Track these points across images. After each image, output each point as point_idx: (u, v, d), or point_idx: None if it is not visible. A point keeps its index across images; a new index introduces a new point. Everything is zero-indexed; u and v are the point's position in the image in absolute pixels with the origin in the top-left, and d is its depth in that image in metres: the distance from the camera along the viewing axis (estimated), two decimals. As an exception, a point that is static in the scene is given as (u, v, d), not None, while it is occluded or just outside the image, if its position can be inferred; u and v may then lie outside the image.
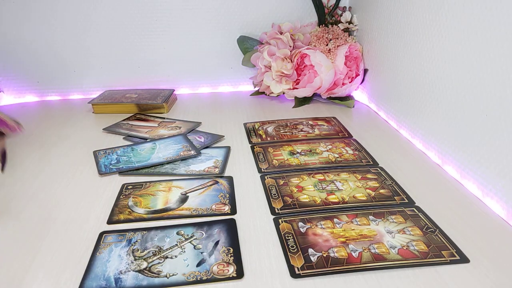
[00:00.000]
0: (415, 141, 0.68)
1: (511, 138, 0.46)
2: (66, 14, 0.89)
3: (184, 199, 0.54)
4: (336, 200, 0.52)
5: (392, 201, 0.52)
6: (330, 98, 0.89)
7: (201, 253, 0.44)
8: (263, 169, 0.61)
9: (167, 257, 0.43)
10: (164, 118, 0.83)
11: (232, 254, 0.43)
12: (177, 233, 0.47)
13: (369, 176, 0.58)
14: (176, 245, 0.45)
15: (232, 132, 0.75)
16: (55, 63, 0.94)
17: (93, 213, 0.51)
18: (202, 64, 0.98)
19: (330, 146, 0.68)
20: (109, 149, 0.68)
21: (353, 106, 0.87)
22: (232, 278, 0.40)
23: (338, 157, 0.64)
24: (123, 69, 0.96)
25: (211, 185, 0.57)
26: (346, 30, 0.91)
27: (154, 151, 0.67)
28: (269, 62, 0.87)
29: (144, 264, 0.42)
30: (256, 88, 0.97)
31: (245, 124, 0.79)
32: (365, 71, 0.87)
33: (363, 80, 0.88)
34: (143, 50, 0.95)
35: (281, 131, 0.74)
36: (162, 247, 0.45)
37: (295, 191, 0.55)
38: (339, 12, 0.92)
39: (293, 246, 0.44)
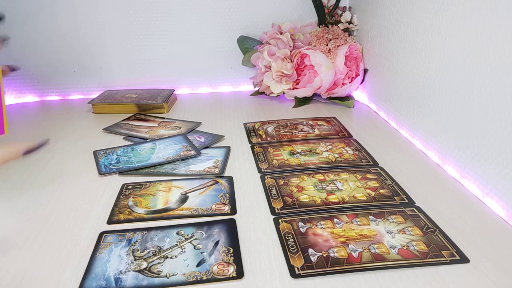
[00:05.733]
0: (415, 141, 0.68)
1: (511, 138, 0.46)
2: (66, 14, 0.89)
3: (184, 199, 0.54)
4: (336, 200, 0.52)
5: (392, 201, 0.52)
6: (330, 98, 0.89)
7: (201, 253, 0.44)
8: (263, 169, 0.61)
9: (167, 257, 0.43)
10: (164, 118, 0.83)
11: (232, 254, 0.43)
12: (177, 233, 0.47)
13: (369, 176, 0.58)
14: (176, 245, 0.45)
15: (232, 132, 0.75)
16: (55, 63, 0.94)
17: (93, 213, 0.51)
18: (202, 64, 0.98)
19: (330, 146, 0.68)
20: (109, 149, 0.68)
21: (353, 106, 0.87)
22: (232, 278, 0.40)
23: (338, 157, 0.64)
24: (123, 69, 0.96)
25: (211, 185, 0.57)
26: (346, 30, 0.91)
27: (154, 151, 0.67)
28: (269, 62, 0.87)
29: (144, 264, 0.42)
30: (256, 88, 0.97)
31: (245, 124, 0.79)
32: (365, 71, 0.87)
33: (363, 80, 0.88)
34: (143, 50, 0.95)
35: (281, 131, 0.74)
36: (162, 247, 0.45)
37: (295, 191, 0.55)
38: (339, 12, 0.92)
39: (293, 246, 0.44)
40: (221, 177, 0.59)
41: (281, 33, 0.89)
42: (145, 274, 0.41)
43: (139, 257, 0.43)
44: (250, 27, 0.95)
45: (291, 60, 0.86)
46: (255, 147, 0.69)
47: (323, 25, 0.91)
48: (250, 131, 0.75)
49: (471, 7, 0.51)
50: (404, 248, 0.43)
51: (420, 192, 0.54)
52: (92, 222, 0.49)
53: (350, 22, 0.90)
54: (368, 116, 0.82)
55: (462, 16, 0.53)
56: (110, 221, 0.49)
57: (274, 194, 0.54)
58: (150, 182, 0.58)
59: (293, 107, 0.88)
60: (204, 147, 0.68)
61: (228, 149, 0.68)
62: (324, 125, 0.77)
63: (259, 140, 0.71)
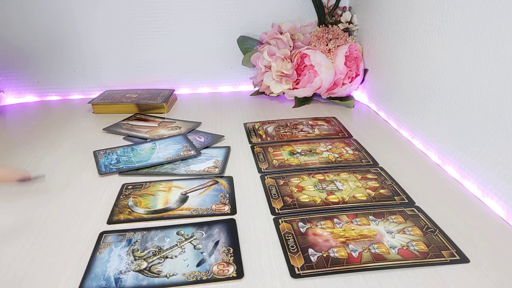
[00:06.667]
0: (415, 141, 0.68)
1: (511, 138, 0.46)
2: (66, 14, 0.89)
3: (184, 199, 0.54)
4: (336, 200, 0.52)
5: (392, 201, 0.52)
6: (330, 98, 0.89)
7: (201, 253, 0.44)
8: (263, 169, 0.61)
9: (167, 257, 0.43)
10: (164, 118, 0.83)
11: (232, 254, 0.43)
12: (177, 233, 0.47)
13: (369, 176, 0.58)
14: (176, 245, 0.45)
15: (232, 132, 0.75)
16: (55, 63, 0.94)
17: (93, 213, 0.51)
18: (202, 64, 0.98)
19: (330, 146, 0.68)
20: (109, 149, 0.68)
21: (353, 106, 0.87)
22: (232, 278, 0.40)
23: (338, 157, 0.64)
24: (123, 69, 0.96)
25: (211, 185, 0.57)
26: (346, 30, 0.91)
27: (154, 151, 0.67)
28: (269, 62, 0.87)
29: (144, 264, 0.42)
30: (256, 88, 0.97)
31: (245, 124, 0.79)
32: (365, 71, 0.87)
33: (363, 80, 0.88)
34: (143, 50, 0.95)
35: (281, 131, 0.74)
36: (162, 247, 0.45)
37: (295, 191, 0.55)
38: (339, 12, 0.92)
39: (293, 246, 0.44)
40: (221, 177, 0.59)
41: (281, 33, 0.89)
42: (145, 274, 0.41)
43: (139, 257, 0.43)
44: (250, 27, 0.95)
45: (291, 60, 0.86)
46: (255, 147, 0.69)
47: (323, 25, 0.91)
48: (250, 131, 0.75)
49: (471, 7, 0.51)
50: (404, 248, 0.43)
51: (420, 192, 0.54)
52: (92, 222, 0.49)
53: (350, 22, 0.90)
54: (368, 116, 0.82)
55: (462, 16, 0.53)
56: (110, 221, 0.49)
57: (274, 194, 0.54)
58: (150, 182, 0.58)
59: (293, 107, 0.88)
60: (204, 147, 0.68)
61: (228, 149, 0.68)
62: (324, 125, 0.77)
63: (259, 140, 0.71)
